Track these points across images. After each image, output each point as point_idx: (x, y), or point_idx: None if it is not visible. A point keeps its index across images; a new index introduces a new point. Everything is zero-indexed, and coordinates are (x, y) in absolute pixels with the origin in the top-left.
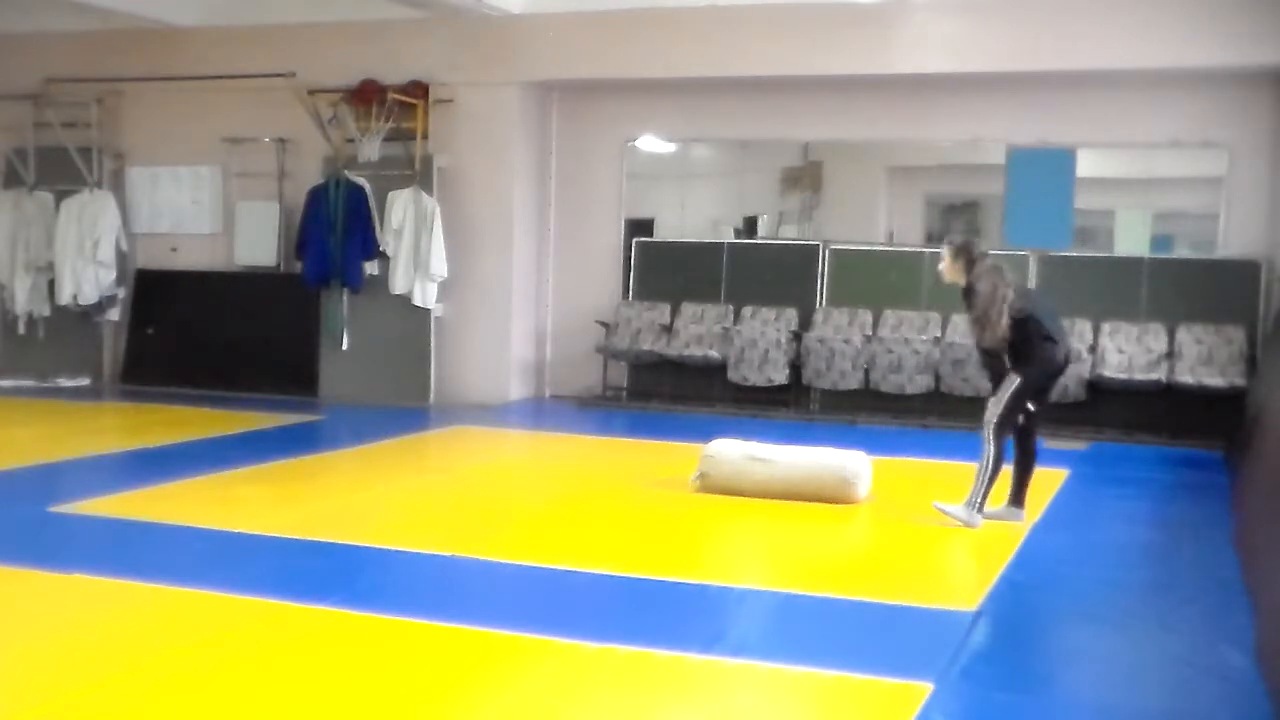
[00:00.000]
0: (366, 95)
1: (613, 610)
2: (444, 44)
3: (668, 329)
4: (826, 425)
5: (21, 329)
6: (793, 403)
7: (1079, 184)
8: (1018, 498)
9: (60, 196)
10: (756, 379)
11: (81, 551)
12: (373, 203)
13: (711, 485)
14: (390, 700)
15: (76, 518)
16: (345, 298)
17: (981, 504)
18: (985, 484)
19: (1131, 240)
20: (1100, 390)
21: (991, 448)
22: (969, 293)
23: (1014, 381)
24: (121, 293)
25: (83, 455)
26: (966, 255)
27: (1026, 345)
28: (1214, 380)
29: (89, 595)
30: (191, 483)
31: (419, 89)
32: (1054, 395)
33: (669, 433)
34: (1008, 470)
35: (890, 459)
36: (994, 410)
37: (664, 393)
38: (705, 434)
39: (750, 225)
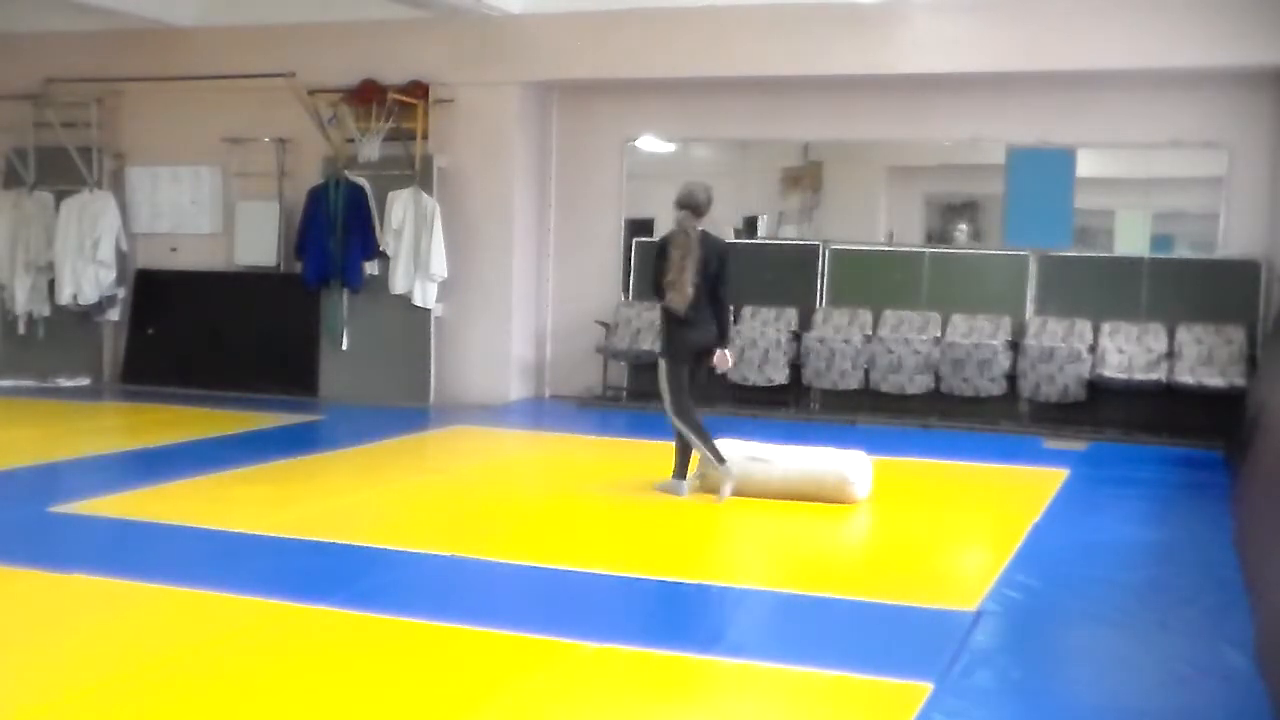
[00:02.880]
0: (366, 95)
1: (613, 610)
2: (444, 44)
3: None
4: (826, 425)
5: (21, 329)
6: (793, 403)
7: (1079, 184)
8: (681, 470)
9: (60, 196)
10: (756, 379)
11: (81, 551)
12: (373, 203)
13: (712, 485)
14: (390, 700)
15: (76, 518)
16: (345, 298)
17: (717, 459)
18: (706, 449)
19: (1131, 240)
20: (1100, 390)
21: (683, 425)
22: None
23: (662, 370)
24: (121, 293)
25: (83, 455)
26: (680, 206)
27: (667, 331)
28: (1214, 380)
29: (89, 595)
30: (191, 483)
31: (419, 89)
32: (1054, 395)
33: (669, 433)
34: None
35: (890, 459)
36: (666, 403)
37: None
38: None
39: (750, 225)
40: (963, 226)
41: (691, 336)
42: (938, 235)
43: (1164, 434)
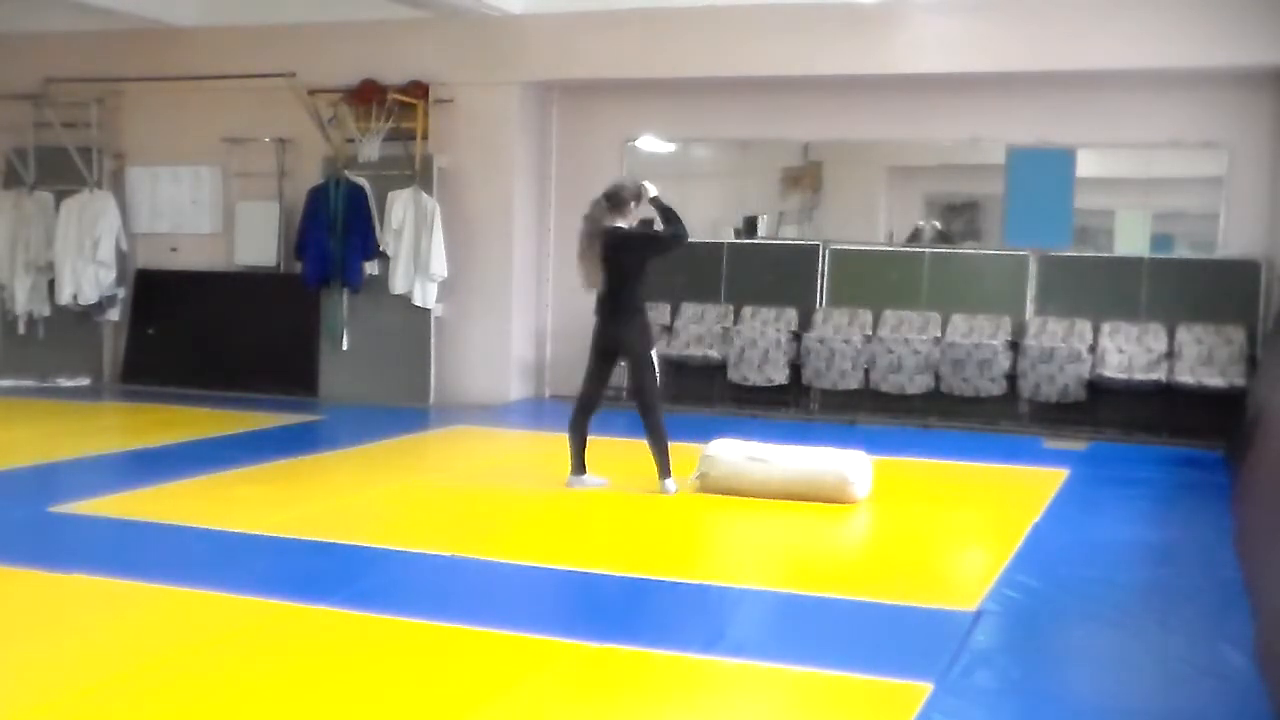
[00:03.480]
0: (366, 95)
1: (613, 610)
2: (444, 44)
3: (668, 329)
4: (826, 425)
5: (21, 329)
6: (793, 403)
7: (1079, 184)
8: (664, 470)
9: (60, 196)
10: (756, 379)
11: (81, 551)
12: (373, 203)
13: (711, 485)
14: (390, 700)
15: (76, 518)
16: (345, 298)
17: (574, 469)
18: (570, 452)
19: (1131, 240)
20: (1100, 390)
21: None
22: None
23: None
24: (121, 293)
25: (83, 455)
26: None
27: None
28: (1214, 380)
29: (89, 595)
30: (191, 483)
31: (419, 89)
32: (1054, 395)
33: (669, 432)
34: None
35: (890, 459)
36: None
37: (664, 393)
38: (705, 434)
39: (750, 225)
40: (920, 223)
41: (601, 330)
42: (911, 236)
43: (1164, 434)
